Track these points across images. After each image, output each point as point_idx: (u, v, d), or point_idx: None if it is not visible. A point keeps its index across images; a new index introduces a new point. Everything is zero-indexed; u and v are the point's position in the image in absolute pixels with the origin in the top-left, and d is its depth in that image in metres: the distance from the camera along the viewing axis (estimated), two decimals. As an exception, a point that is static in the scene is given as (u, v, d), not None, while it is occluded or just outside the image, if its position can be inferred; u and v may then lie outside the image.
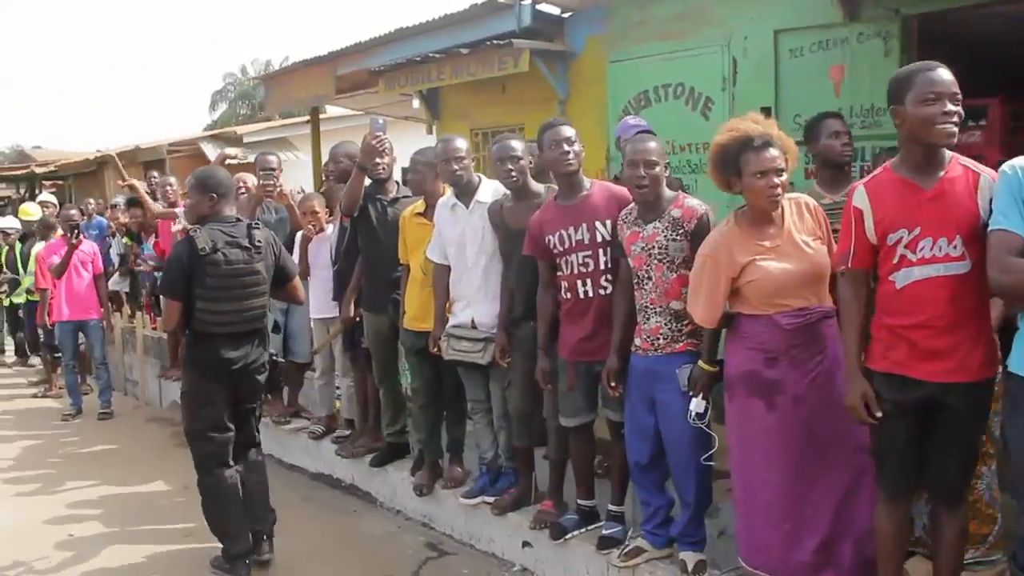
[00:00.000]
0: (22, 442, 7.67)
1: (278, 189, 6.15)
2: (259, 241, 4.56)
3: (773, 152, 3.33)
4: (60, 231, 8.90)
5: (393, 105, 11.50)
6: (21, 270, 9.87)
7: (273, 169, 6.37)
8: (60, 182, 22.33)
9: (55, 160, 20.51)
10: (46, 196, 10.47)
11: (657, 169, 3.76)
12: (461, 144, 4.69)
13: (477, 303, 4.66)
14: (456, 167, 4.62)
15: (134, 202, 9.93)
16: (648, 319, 3.84)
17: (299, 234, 6.14)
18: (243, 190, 6.78)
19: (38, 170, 20.21)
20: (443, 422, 5.21)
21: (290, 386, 6.74)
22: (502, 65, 7.76)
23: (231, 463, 4.64)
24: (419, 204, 5.04)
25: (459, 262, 4.70)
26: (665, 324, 3.79)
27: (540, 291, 4.29)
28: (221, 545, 4.67)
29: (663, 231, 3.79)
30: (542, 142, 4.13)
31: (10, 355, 11.79)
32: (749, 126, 3.38)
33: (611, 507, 4.29)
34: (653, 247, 3.80)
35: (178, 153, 15.30)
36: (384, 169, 5.27)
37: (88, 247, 8.55)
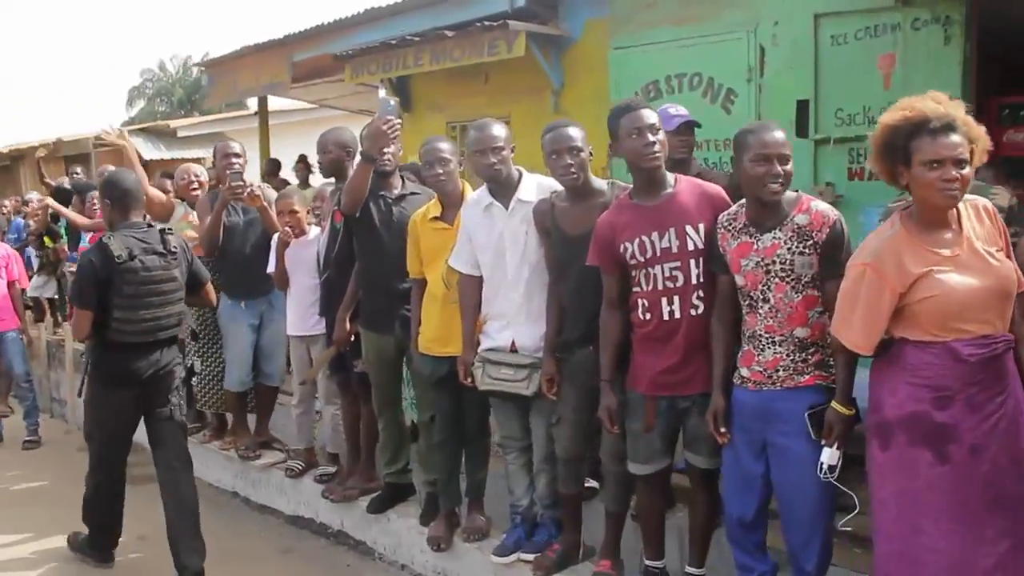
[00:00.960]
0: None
1: (249, 190, 5.23)
2: (174, 247, 4.46)
3: (954, 138, 2.62)
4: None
5: (349, 97, 10.65)
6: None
7: (238, 156, 5.48)
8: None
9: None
10: (-42, 192, 9.25)
11: (790, 165, 3.02)
12: (499, 131, 3.89)
13: (519, 323, 3.86)
14: (494, 160, 3.82)
15: (64, 194, 8.91)
16: (762, 349, 3.09)
17: (275, 238, 5.25)
18: (195, 186, 5.88)
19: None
20: (461, 462, 4.40)
21: (260, 413, 5.81)
22: (493, 50, 6.98)
23: (125, 473, 4.65)
24: (433, 206, 4.21)
25: (495, 273, 3.90)
26: (787, 355, 3.05)
27: (605, 311, 3.51)
28: (88, 530, 4.79)
29: (786, 242, 3.05)
30: (618, 128, 3.35)
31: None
32: (928, 106, 2.66)
33: (691, 570, 3.56)
34: (773, 262, 3.05)
35: (105, 147, 13.98)
36: (390, 160, 4.45)
37: (1, 250, 7.50)
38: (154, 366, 4.40)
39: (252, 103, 12.42)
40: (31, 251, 10.39)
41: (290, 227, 5.08)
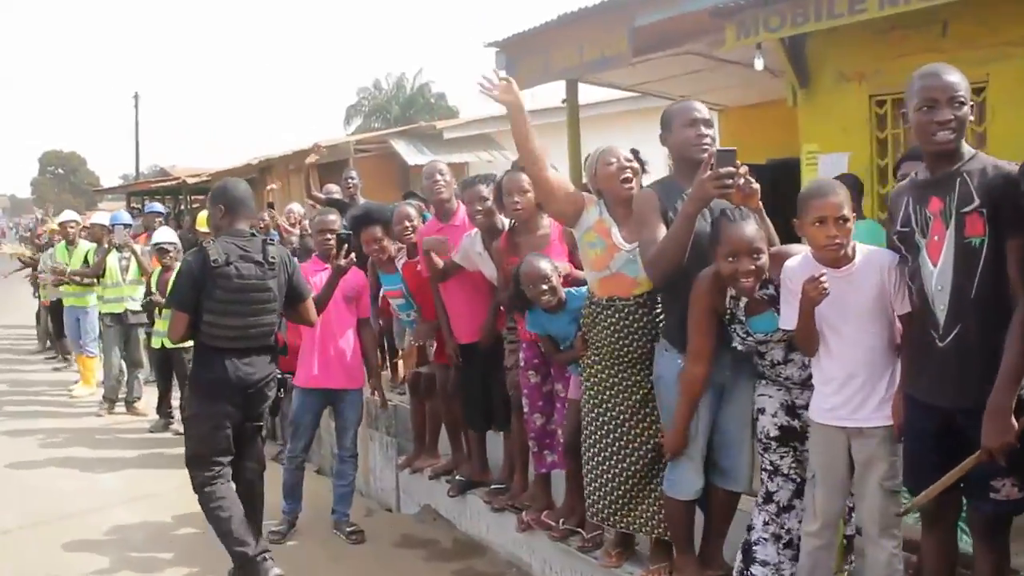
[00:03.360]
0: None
1: (744, 179, 3.14)
2: (273, 257, 4.43)
3: None
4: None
5: (678, 79, 8.55)
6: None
7: (709, 124, 3.53)
8: (202, 196, 20.30)
9: (205, 171, 18.35)
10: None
11: None
12: None
13: None
14: None
15: (338, 205, 7.26)
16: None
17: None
18: (628, 176, 3.73)
19: (190, 180, 18.06)
20: None
21: (713, 529, 3.70)
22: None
23: (229, 480, 4.52)
24: None
25: None
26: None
27: None
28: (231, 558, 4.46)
29: None
30: None
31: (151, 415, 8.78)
32: None
33: None
34: None
35: (365, 153, 12.62)
36: None
37: (355, 275, 5.33)
38: (251, 376, 4.40)
39: (540, 96, 10.49)
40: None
41: (836, 243, 2.97)
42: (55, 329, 12.21)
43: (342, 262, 4.89)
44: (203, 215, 7.49)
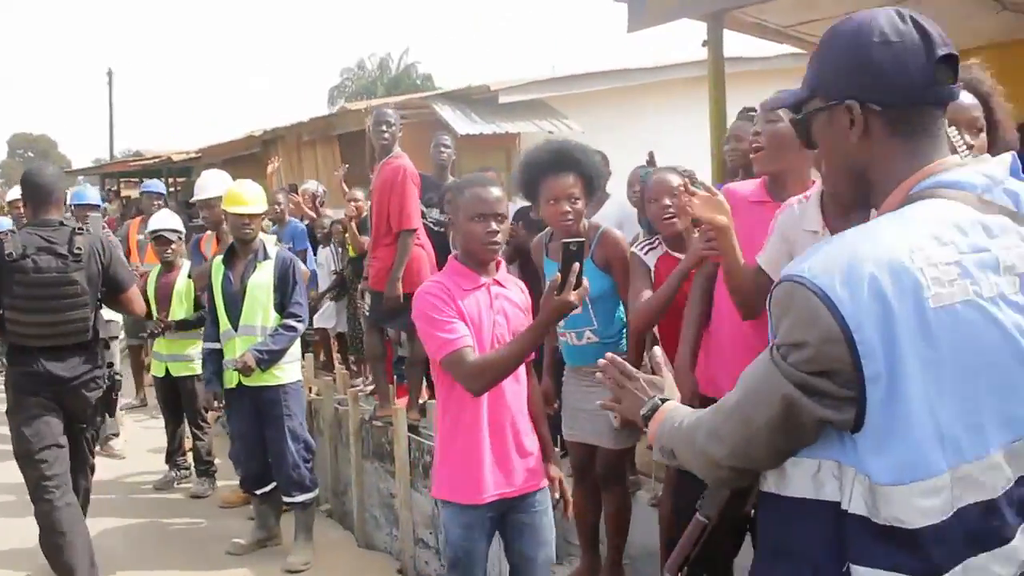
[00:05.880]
0: None
1: None
2: (78, 248, 4.22)
3: None
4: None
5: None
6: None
7: None
8: (183, 179, 18.16)
9: (192, 149, 16.17)
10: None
11: None
12: None
13: None
14: None
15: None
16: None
17: None
18: None
19: (175, 157, 15.90)
20: None
21: None
22: None
23: (68, 486, 4.25)
24: None
25: None
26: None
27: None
28: None
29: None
30: None
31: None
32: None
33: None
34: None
35: (403, 120, 10.35)
36: None
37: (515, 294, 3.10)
38: (68, 374, 4.19)
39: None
40: (326, 257, 7.37)
41: None
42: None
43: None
44: (237, 190, 5.15)
